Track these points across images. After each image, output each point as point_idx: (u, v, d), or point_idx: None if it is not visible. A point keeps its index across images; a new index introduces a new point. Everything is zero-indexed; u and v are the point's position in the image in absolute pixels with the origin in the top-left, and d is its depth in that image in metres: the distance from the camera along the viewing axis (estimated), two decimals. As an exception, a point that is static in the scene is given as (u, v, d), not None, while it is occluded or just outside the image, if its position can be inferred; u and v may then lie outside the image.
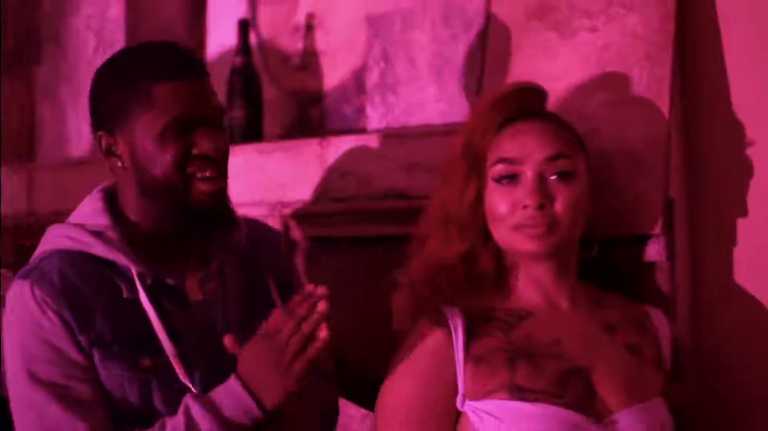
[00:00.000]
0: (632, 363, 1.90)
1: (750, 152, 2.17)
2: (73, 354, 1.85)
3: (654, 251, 2.06)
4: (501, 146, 1.91)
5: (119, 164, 1.93)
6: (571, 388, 1.81)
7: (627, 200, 2.08)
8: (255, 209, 2.58)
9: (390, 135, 2.47)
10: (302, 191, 2.56)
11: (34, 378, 1.84)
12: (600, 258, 2.00)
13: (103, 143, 1.94)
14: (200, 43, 3.22)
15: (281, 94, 3.00)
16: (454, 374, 1.84)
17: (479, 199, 1.92)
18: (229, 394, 1.79)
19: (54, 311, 1.85)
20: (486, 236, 1.93)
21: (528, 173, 1.87)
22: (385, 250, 2.34)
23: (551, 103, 2.09)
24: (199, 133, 1.89)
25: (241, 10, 3.07)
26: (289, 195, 2.58)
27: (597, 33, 2.20)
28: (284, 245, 2.48)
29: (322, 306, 1.77)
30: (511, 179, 1.88)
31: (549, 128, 1.91)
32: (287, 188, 2.59)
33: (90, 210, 1.97)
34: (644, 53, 2.14)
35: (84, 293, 1.88)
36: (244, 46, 2.94)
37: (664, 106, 2.08)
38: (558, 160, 1.88)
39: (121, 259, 1.90)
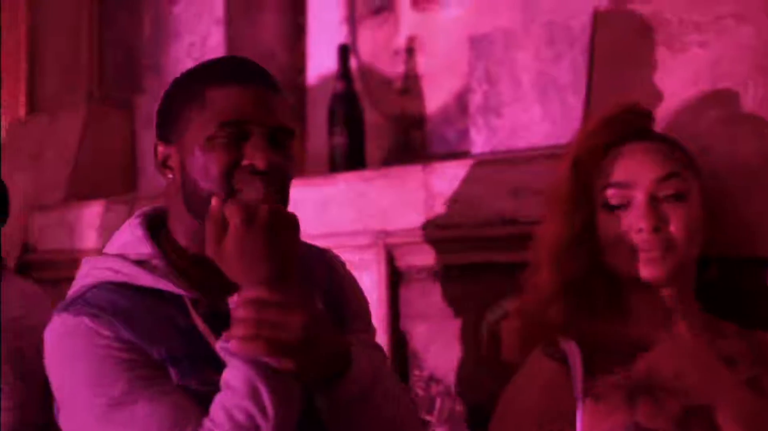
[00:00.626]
0: (755, 401, 1.80)
1: None
2: (151, 360, 1.71)
3: None
4: (610, 171, 1.86)
5: (170, 176, 1.80)
6: (693, 428, 1.73)
7: (744, 220, 1.99)
8: (357, 238, 2.57)
9: (495, 160, 2.42)
10: (406, 219, 2.51)
11: (114, 403, 1.66)
12: (718, 282, 1.93)
13: (159, 153, 1.81)
14: (300, 68, 3.20)
15: (383, 118, 2.99)
16: (572, 411, 1.77)
17: (590, 226, 1.87)
18: None
19: (113, 335, 1.69)
20: (598, 264, 1.88)
21: (639, 196, 1.82)
22: (494, 278, 2.30)
23: (661, 122, 2.03)
24: (252, 143, 1.73)
25: (341, 35, 3.08)
26: (393, 223, 2.54)
27: (708, 47, 2.13)
28: (387, 275, 2.47)
29: None
30: (623, 204, 1.84)
31: (658, 149, 1.86)
32: (390, 215, 2.54)
33: (131, 238, 1.82)
34: (757, 66, 2.05)
35: (138, 318, 1.72)
36: (344, 71, 2.93)
37: None
38: (669, 180, 1.82)
39: (171, 287, 1.75)
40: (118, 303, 1.73)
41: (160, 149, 1.81)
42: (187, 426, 1.62)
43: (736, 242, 1.99)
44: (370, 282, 2.53)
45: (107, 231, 3.15)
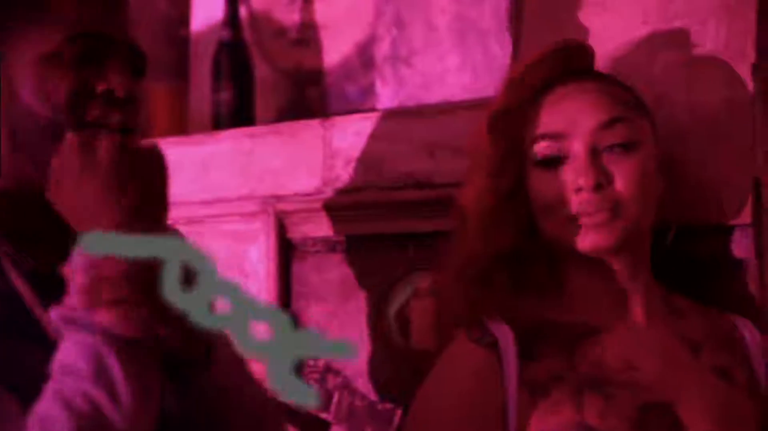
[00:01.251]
0: (723, 391, 1.55)
1: None
2: None
3: (740, 245, 1.71)
4: (541, 118, 1.57)
5: None
6: (652, 427, 1.47)
7: (705, 181, 1.73)
8: (243, 204, 2.26)
9: (406, 112, 2.13)
10: (301, 183, 2.20)
11: None
12: (672, 253, 1.67)
13: None
14: (183, 19, 2.88)
15: (275, 73, 2.68)
16: (503, 406, 1.48)
17: (520, 187, 1.58)
18: None
19: None
20: (532, 231, 1.59)
21: (577, 147, 1.53)
22: (404, 250, 2.02)
23: (606, 67, 1.75)
24: (107, 63, 1.40)
25: (229, -22, 2.71)
26: (286, 187, 2.22)
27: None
28: (277, 247, 2.18)
29: None
30: (558, 158, 1.54)
31: (599, 89, 1.57)
32: (282, 179, 2.23)
33: None
34: (721, 3, 1.78)
35: None
36: (231, 18, 2.60)
37: (748, 67, 1.72)
38: (614, 126, 1.53)
39: None
40: None
41: None
42: None
43: (694, 207, 1.73)
44: (258, 256, 2.25)
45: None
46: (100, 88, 1.38)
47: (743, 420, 1.53)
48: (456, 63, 2.27)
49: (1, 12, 1.39)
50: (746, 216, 1.69)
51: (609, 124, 1.53)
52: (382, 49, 2.36)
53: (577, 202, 1.51)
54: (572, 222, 1.52)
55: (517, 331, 1.52)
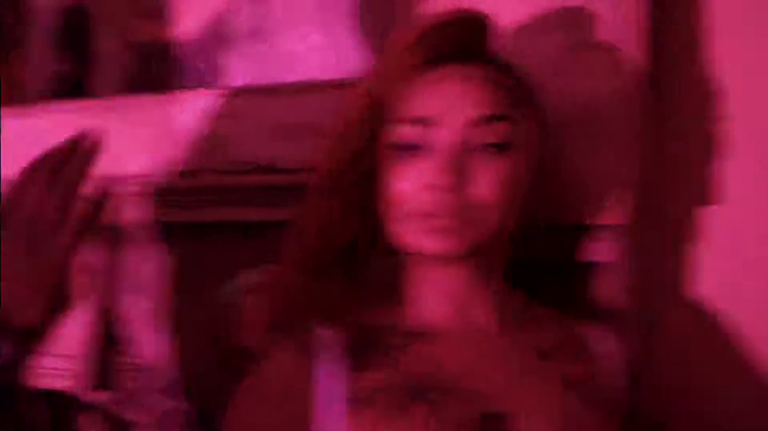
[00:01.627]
0: (572, 405, 1.41)
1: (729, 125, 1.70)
2: None
3: (609, 248, 1.60)
4: (411, 99, 1.37)
5: None
6: None
7: (583, 178, 1.59)
8: None
9: (256, 91, 1.94)
10: (139, 163, 2.01)
11: None
12: (540, 253, 1.56)
13: None
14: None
15: (119, 44, 2.47)
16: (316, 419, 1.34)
17: (371, 175, 1.41)
18: None
19: None
20: (378, 225, 1.42)
21: (443, 139, 1.35)
22: (246, 240, 1.86)
23: None
24: None
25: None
26: (122, 168, 2.02)
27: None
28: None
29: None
30: (417, 147, 1.36)
31: (483, 77, 1.38)
32: (119, 158, 1.99)
33: None
34: None
35: None
36: (74, -18, 2.44)
37: (639, 54, 1.59)
38: (492, 123, 1.35)
39: None
40: None
41: None
42: None
43: (564, 204, 1.60)
44: (87, 242, 2.04)
45: None
46: None
47: None
48: (319, 41, 2.10)
49: None
50: (619, 217, 1.58)
51: (487, 120, 1.35)
52: (239, 24, 2.19)
53: (429, 201, 1.34)
54: (420, 221, 1.36)
55: (347, 338, 1.38)
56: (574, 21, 1.63)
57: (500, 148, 1.35)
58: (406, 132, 1.36)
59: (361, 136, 1.39)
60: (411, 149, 1.35)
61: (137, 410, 1.96)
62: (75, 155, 1.42)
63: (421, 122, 1.35)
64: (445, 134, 1.34)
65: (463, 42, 1.41)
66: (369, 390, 1.35)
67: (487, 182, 1.34)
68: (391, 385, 1.35)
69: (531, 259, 1.54)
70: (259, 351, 1.42)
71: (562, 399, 1.40)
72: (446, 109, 1.35)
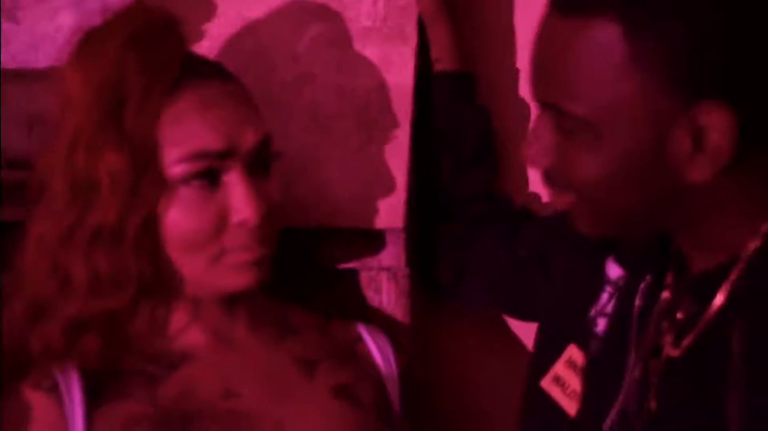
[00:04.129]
0: (345, 412, 1.40)
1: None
2: None
3: (389, 253, 1.56)
4: (187, 131, 1.30)
5: None
6: None
7: (351, 179, 1.55)
8: None
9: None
10: None
11: None
12: (300, 259, 1.52)
13: None
14: None
15: None
16: None
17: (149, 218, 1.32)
18: None
19: None
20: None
21: (238, 171, 1.30)
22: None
23: (246, 35, 1.56)
24: None
25: None
26: None
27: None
28: None
29: None
30: (209, 180, 1.30)
31: (242, 96, 1.36)
32: None
33: None
34: None
35: None
36: None
37: (409, 48, 1.56)
38: (266, 145, 1.34)
39: None
40: None
41: None
42: None
43: (337, 209, 1.55)
44: None
45: None
46: None
47: None
48: (70, 22, 1.97)
49: None
50: (399, 220, 1.53)
51: (264, 143, 1.33)
52: None
53: (235, 236, 1.30)
54: (221, 259, 1.32)
55: (88, 371, 1.31)
56: (341, 12, 1.60)
57: (268, 166, 1.34)
58: (190, 168, 1.29)
59: (123, 169, 1.30)
60: (201, 182, 1.30)
61: None
62: None
63: (211, 156, 1.29)
64: (238, 165, 1.30)
65: (174, 54, 1.34)
66: (119, 424, 1.30)
67: (270, 200, 1.32)
68: (144, 417, 1.30)
69: (310, 263, 1.53)
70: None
71: (333, 409, 1.39)
72: (232, 138, 1.30)
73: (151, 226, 1.30)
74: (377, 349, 1.49)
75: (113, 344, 1.34)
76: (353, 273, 1.58)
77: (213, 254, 1.31)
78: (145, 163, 1.29)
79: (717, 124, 1.00)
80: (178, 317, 1.38)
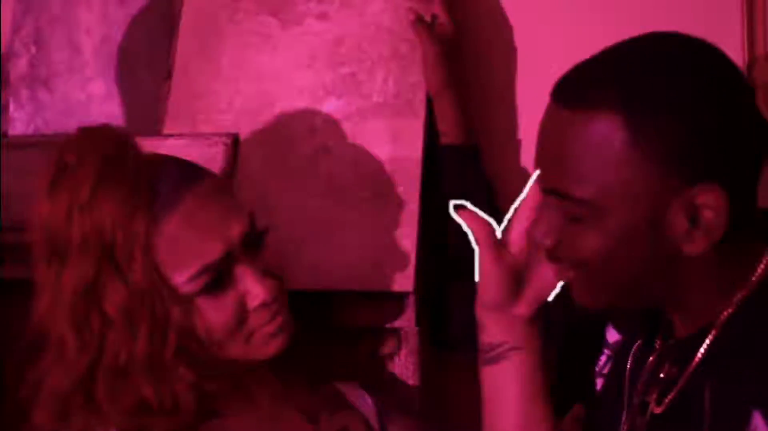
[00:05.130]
0: None
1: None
2: None
3: (399, 314, 1.62)
4: (185, 249, 1.35)
5: None
6: None
7: (365, 245, 1.60)
8: None
9: (35, 143, 1.92)
10: None
11: None
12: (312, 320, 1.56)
13: None
14: None
15: None
16: None
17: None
18: None
19: None
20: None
21: (241, 266, 1.38)
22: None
23: (267, 108, 1.64)
24: None
25: None
26: None
27: (328, 21, 1.71)
28: None
29: None
30: (219, 282, 1.37)
31: (213, 185, 1.40)
32: None
33: None
34: (391, 51, 1.67)
35: None
36: None
37: (419, 121, 1.63)
38: (253, 223, 1.40)
39: None
40: None
41: None
42: None
43: (353, 271, 1.61)
44: None
45: None
46: None
47: None
48: (102, 90, 2.06)
49: None
50: (409, 284, 1.59)
51: (252, 227, 1.40)
52: (19, 68, 2.11)
53: (256, 318, 1.39)
54: (252, 338, 1.40)
55: None
56: (352, 86, 1.66)
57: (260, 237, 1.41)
58: (201, 282, 1.35)
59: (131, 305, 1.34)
60: (212, 291, 1.36)
61: None
62: None
63: (211, 268, 1.35)
64: (239, 261, 1.36)
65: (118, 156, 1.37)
66: None
67: (275, 270, 1.41)
68: None
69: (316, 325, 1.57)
70: None
71: None
72: (225, 241, 1.35)
73: (186, 336, 1.36)
74: (354, 396, 1.56)
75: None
76: (366, 333, 1.64)
77: (244, 336, 1.38)
78: (152, 291, 1.33)
79: (712, 203, 1.07)
80: (212, 386, 1.42)
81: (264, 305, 1.38)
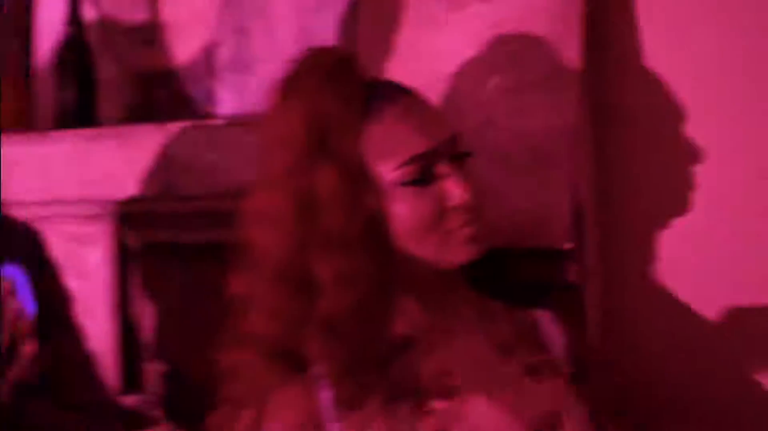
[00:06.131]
0: (536, 389, 1.56)
1: (672, 150, 1.88)
2: None
3: (561, 268, 1.74)
4: (395, 141, 1.49)
5: None
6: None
7: (526, 206, 1.74)
8: (82, 206, 2.23)
9: (241, 123, 2.09)
10: (140, 187, 2.17)
11: None
12: (491, 274, 1.67)
13: None
14: (27, 7, 2.78)
15: (123, 72, 2.61)
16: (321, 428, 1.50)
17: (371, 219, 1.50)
18: None
19: None
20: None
21: (445, 164, 1.49)
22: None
23: (438, 89, 1.77)
24: None
25: (74, -26, 2.64)
26: (123, 192, 2.19)
27: (490, 4, 1.86)
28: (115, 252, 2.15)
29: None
30: (425, 177, 1.49)
31: (425, 102, 1.54)
32: (120, 182, 2.19)
33: None
34: (548, 30, 1.80)
35: None
36: (73, 15, 2.54)
37: (572, 94, 1.75)
38: (459, 140, 1.51)
39: None
40: None
41: None
42: None
43: (516, 230, 1.74)
44: (96, 259, 2.23)
45: None
46: None
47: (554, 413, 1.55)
48: None
49: None
50: (565, 241, 1.71)
51: (456, 136, 1.51)
52: (224, 56, 2.32)
53: (455, 217, 1.49)
54: (449, 237, 1.49)
55: (347, 361, 1.50)
56: (517, 63, 1.79)
57: (466, 155, 1.52)
58: (411, 171, 1.48)
59: (340, 187, 1.47)
60: (418, 181, 1.48)
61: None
62: None
63: (424, 156, 1.48)
64: (443, 159, 1.49)
65: (365, 78, 1.54)
66: (356, 395, 1.49)
67: (470, 188, 1.49)
68: (378, 389, 1.48)
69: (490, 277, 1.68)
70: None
71: (523, 384, 1.55)
72: (432, 138, 1.48)
73: (376, 226, 1.47)
74: (549, 329, 1.64)
75: (360, 334, 1.50)
76: (533, 287, 1.74)
77: (440, 236, 1.48)
78: (356, 177, 1.47)
79: None
80: (404, 308, 1.54)
81: (462, 207, 1.47)
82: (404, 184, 1.48)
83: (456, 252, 1.50)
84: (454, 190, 1.47)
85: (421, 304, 1.55)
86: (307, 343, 1.49)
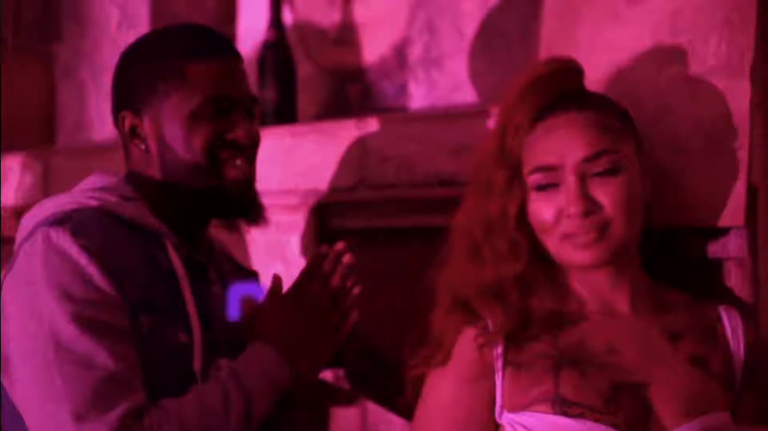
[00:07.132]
0: (696, 379, 1.69)
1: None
2: (123, 313, 1.68)
3: (734, 245, 1.81)
4: (535, 151, 1.70)
5: (142, 146, 1.82)
6: (623, 405, 1.62)
7: (702, 188, 1.83)
8: (285, 197, 2.41)
9: (434, 116, 2.24)
10: (338, 178, 2.35)
11: (84, 324, 1.63)
12: (669, 252, 1.81)
13: (127, 123, 1.83)
14: (230, 15, 2.99)
15: (317, 71, 2.79)
16: (492, 381, 1.68)
17: (523, 209, 1.72)
18: (263, 361, 1.75)
19: (100, 264, 1.66)
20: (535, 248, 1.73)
21: (568, 178, 1.67)
22: (428, 242, 2.07)
23: (616, 78, 1.87)
24: (233, 117, 1.80)
25: (274, -19, 2.83)
26: (324, 182, 2.36)
27: (668, -3, 1.94)
28: (317, 237, 2.29)
29: (347, 258, 1.84)
30: (552, 184, 1.68)
31: (588, 121, 1.68)
32: (321, 174, 2.37)
33: (107, 182, 1.82)
34: (723, 19, 1.87)
35: (124, 253, 1.72)
36: (276, 19, 2.74)
37: (746, 81, 1.81)
38: (599, 157, 1.66)
39: (157, 226, 1.78)
40: (109, 233, 1.72)
41: (127, 120, 1.83)
42: (117, 406, 1.60)
43: (692, 210, 1.83)
44: (299, 245, 2.40)
45: (23, 186, 2.97)
46: (229, 137, 1.79)
47: (711, 403, 1.67)
48: (483, 67, 2.37)
49: (146, 81, 1.81)
50: (739, 220, 1.79)
51: (594, 157, 1.66)
52: (415, 52, 2.46)
53: (568, 224, 1.66)
54: (565, 241, 1.67)
55: (509, 320, 1.68)
56: (692, 53, 1.87)
57: (613, 172, 1.66)
58: (539, 179, 1.68)
59: (501, 179, 1.70)
60: (545, 187, 1.68)
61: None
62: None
63: (548, 168, 1.67)
64: (567, 174, 1.66)
65: (563, 87, 1.72)
66: (527, 358, 1.66)
67: (610, 201, 1.65)
68: (546, 355, 1.65)
69: (665, 255, 1.80)
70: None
71: (688, 375, 1.68)
72: (562, 155, 1.66)
73: (523, 214, 1.69)
74: (731, 328, 1.75)
75: (524, 298, 1.70)
76: (707, 263, 1.83)
77: (559, 237, 1.67)
78: (514, 173, 1.69)
79: None
80: (574, 284, 1.72)
81: (576, 216, 1.64)
82: (534, 188, 1.69)
83: (571, 255, 1.68)
84: (569, 203, 1.65)
85: (589, 290, 1.72)
86: (479, 304, 1.70)
